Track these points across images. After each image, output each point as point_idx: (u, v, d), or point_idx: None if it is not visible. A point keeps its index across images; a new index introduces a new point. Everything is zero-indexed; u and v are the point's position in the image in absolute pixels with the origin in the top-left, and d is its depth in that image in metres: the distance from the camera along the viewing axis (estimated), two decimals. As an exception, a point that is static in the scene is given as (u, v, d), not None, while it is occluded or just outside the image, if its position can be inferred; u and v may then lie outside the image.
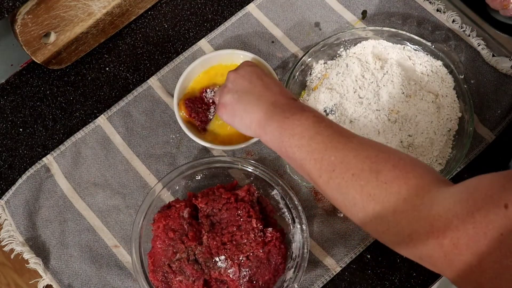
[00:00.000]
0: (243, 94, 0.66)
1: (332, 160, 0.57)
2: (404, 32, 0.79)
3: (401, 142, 0.75)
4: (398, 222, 0.52)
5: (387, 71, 0.77)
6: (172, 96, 0.79)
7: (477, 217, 0.46)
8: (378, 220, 0.54)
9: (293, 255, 0.71)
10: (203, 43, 0.85)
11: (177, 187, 0.76)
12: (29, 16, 0.73)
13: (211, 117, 0.77)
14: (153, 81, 0.83)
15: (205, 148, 0.79)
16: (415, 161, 0.56)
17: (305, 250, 0.69)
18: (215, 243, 0.67)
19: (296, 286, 0.69)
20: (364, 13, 0.85)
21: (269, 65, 0.78)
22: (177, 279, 0.67)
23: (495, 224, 0.45)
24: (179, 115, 0.76)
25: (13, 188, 0.77)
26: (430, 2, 0.85)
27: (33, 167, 0.78)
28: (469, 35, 0.83)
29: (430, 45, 0.78)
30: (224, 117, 0.68)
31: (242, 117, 0.65)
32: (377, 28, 0.80)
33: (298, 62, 0.78)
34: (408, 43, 0.79)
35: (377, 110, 0.75)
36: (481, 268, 0.45)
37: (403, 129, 0.75)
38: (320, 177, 0.58)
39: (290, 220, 0.73)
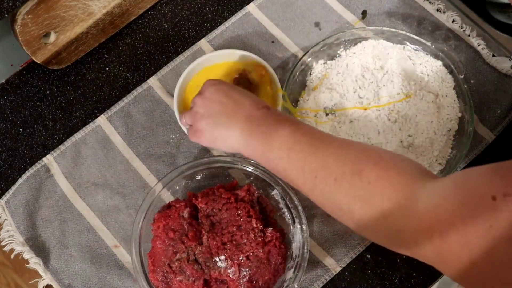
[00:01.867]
0: (217, 117, 0.66)
1: (313, 167, 0.57)
2: (404, 32, 0.79)
3: (401, 142, 0.75)
4: (387, 222, 0.52)
5: (387, 71, 0.77)
6: (172, 96, 0.79)
7: (464, 211, 0.45)
8: (368, 222, 0.53)
9: (293, 255, 0.71)
10: (203, 43, 0.85)
11: (177, 187, 0.76)
12: (29, 16, 0.73)
13: None
14: (153, 81, 0.83)
15: (205, 148, 0.79)
16: (396, 157, 0.56)
17: (305, 250, 0.69)
18: (215, 243, 0.67)
19: (296, 286, 0.69)
20: (364, 13, 0.85)
21: (269, 65, 0.78)
22: (177, 279, 0.67)
23: (484, 217, 0.43)
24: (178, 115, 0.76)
25: (13, 188, 0.77)
26: (430, 2, 0.85)
27: (33, 167, 0.78)
28: (469, 35, 0.83)
29: (430, 45, 0.78)
30: (204, 142, 0.69)
31: (223, 139, 0.66)
32: (377, 28, 0.80)
33: (298, 62, 0.78)
34: (408, 43, 0.79)
35: (377, 110, 0.75)
36: (475, 263, 0.44)
37: (403, 129, 0.75)
38: (304, 185, 0.58)
39: (290, 220, 0.73)
